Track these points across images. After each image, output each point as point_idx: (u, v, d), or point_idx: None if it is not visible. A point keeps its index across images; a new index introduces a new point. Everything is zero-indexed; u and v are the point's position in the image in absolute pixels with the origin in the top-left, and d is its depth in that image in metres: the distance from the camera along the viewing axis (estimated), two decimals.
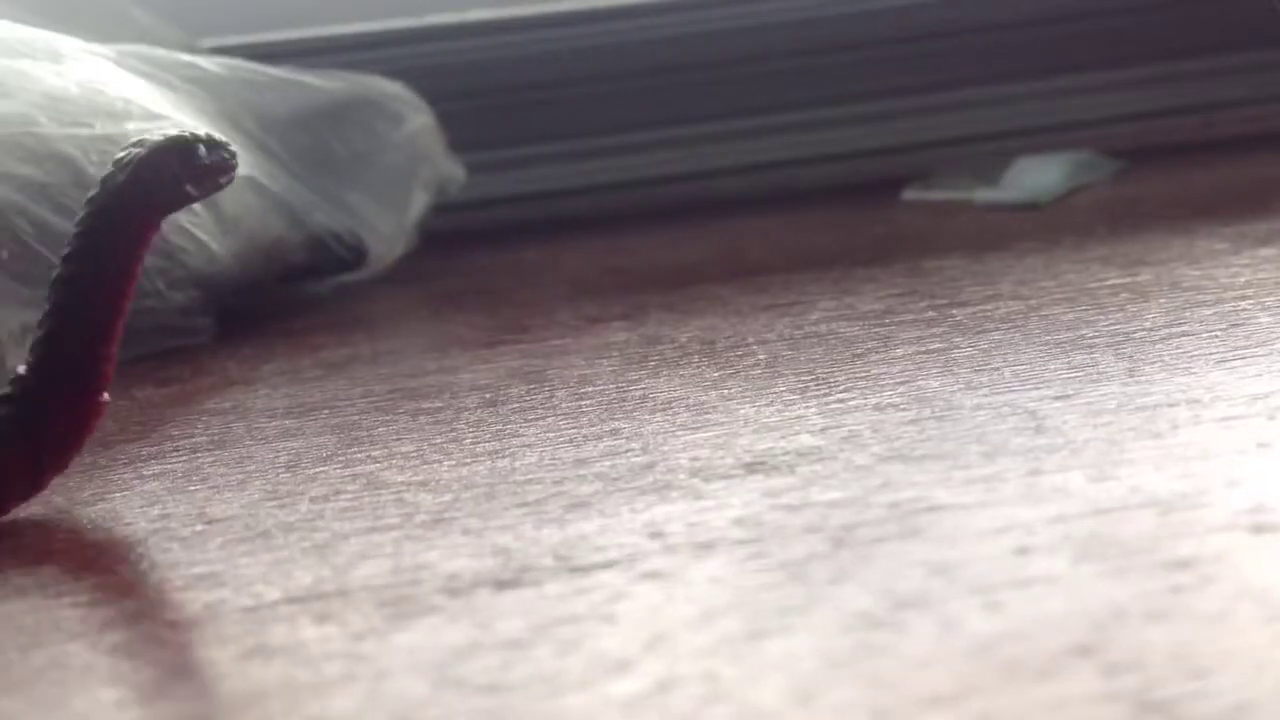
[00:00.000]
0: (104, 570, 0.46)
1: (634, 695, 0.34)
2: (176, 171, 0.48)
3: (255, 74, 0.81)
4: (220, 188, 0.50)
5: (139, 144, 0.48)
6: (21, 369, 0.48)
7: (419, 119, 0.85)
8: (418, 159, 0.84)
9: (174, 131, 0.49)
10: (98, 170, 0.69)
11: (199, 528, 0.47)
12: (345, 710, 0.34)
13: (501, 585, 0.40)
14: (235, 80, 0.80)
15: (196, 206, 0.72)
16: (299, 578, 0.42)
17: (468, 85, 0.91)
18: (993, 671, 0.33)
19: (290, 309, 0.77)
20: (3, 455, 0.48)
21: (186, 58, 0.80)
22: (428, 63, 0.90)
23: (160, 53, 0.79)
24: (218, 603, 0.41)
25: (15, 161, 0.69)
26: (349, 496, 0.48)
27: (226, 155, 0.49)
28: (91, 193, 0.48)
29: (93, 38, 0.77)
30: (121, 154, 0.48)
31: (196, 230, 0.72)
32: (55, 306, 0.48)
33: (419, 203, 0.84)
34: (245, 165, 0.76)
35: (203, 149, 0.49)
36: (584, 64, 0.92)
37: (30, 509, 0.49)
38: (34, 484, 0.49)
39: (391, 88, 0.85)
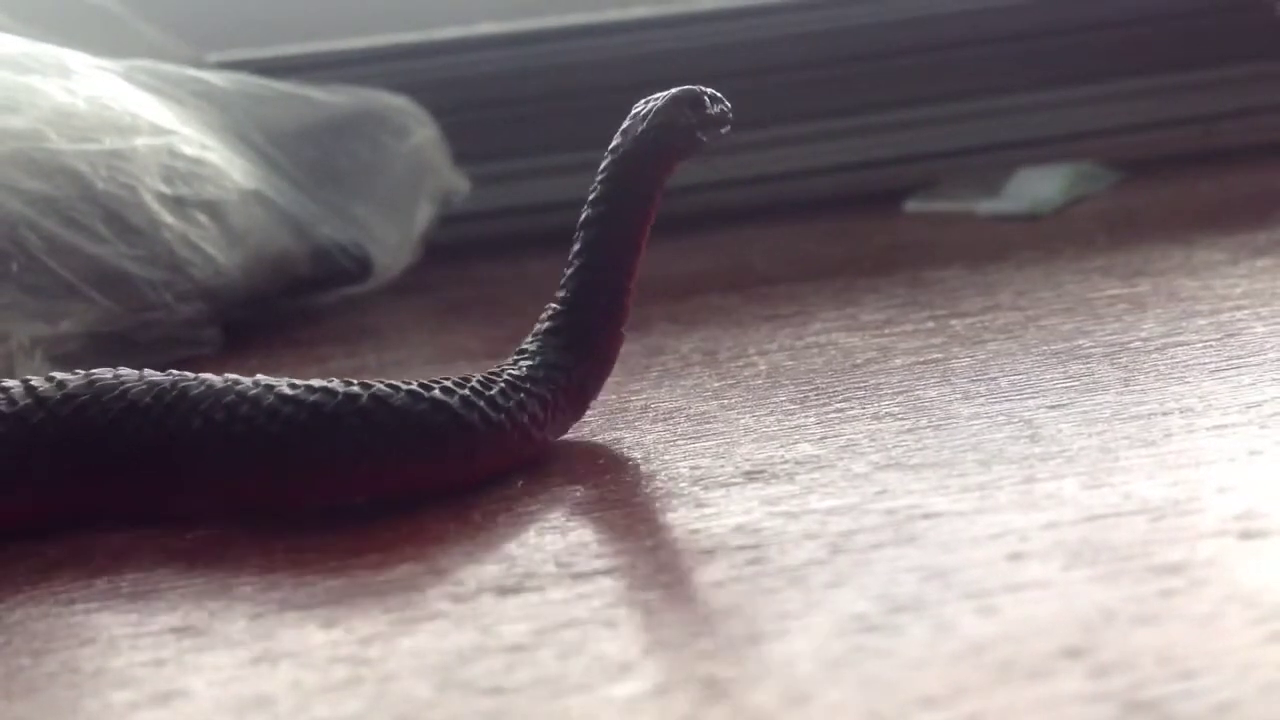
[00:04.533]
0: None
1: (634, 697, 0.34)
2: (690, 119, 0.51)
3: (262, 88, 0.82)
4: (721, 138, 0.52)
5: (653, 98, 0.52)
6: (554, 305, 0.52)
7: (423, 132, 0.86)
8: (422, 171, 0.85)
9: (687, 85, 0.52)
10: (106, 184, 0.71)
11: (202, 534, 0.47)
12: (353, 712, 0.35)
13: (505, 591, 0.41)
14: (242, 94, 0.81)
15: (203, 219, 0.73)
16: (305, 584, 0.43)
17: (472, 98, 0.92)
18: (985, 673, 0.34)
19: (296, 321, 0.77)
20: (563, 380, 0.51)
21: (194, 72, 0.81)
22: (432, 76, 0.91)
23: (168, 67, 0.80)
24: (224, 608, 0.41)
25: (25, 176, 0.69)
26: (355, 505, 0.48)
27: (726, 108, 0.53)
28: (614, 143, 0.52)
29: (100, 53, 0.78)
30: (638, 108, 0.52)
31: (203, 243, 0.73)
32: (586, 243, 0.52)
33: (424, 214, 0.85)
34: (252, 179, 0.77)
35: (708, 100, 0.52)
36: (587, 77, 0.93)
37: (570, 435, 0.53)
38: (582, 408, 0.53)
39: (396, 101, 0.86)
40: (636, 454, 0.51)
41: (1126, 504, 0.42)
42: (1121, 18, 0.95)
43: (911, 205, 0.90)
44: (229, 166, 0.76)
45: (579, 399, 0.52)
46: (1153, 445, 0.46)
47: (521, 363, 0.51)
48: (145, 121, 0.74)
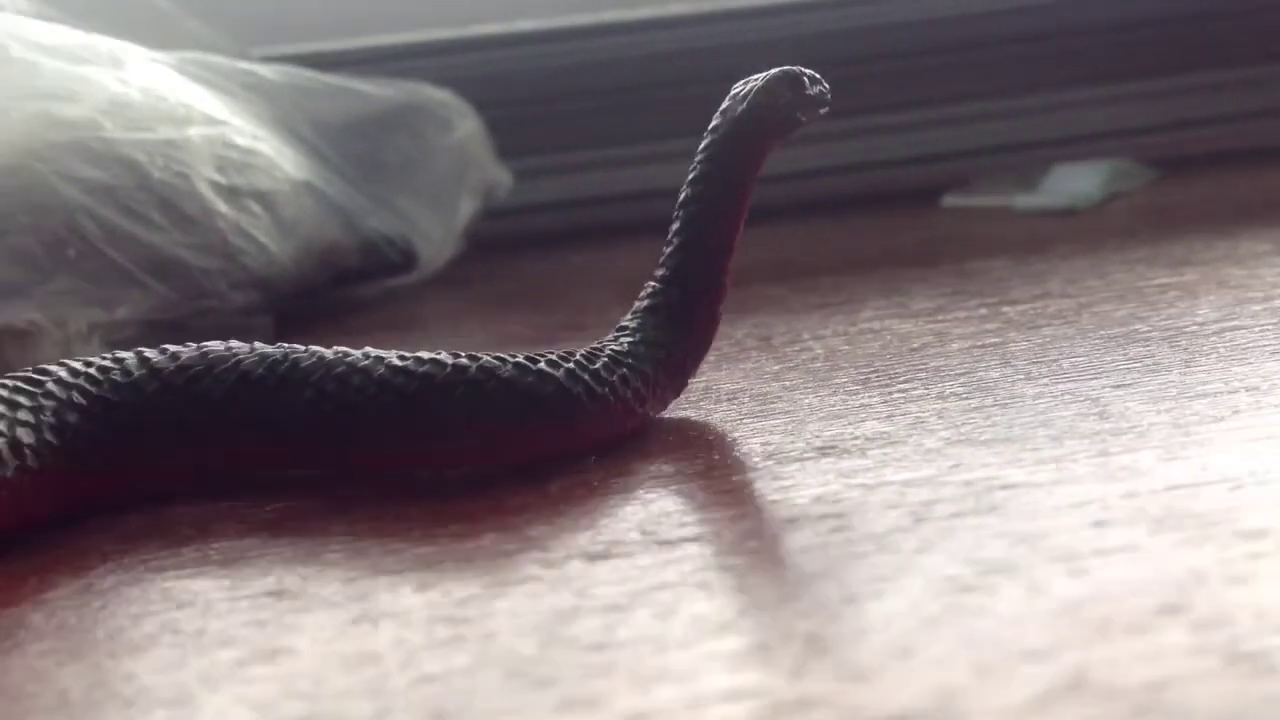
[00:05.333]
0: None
1: (738, 652, 0.35)
2: (790, 99, 0.52)
3: (310, 81, 0.83)
4: (819, 118, 0.53)
5: (752, 79, 0.52)
6: (653, 283, 0.53)
7: (467, 126, 0.86)
8: (466, 165, 0.86)
9: (786, 66, 0.52)
10: (161, 174, 0.71)
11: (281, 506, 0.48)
12: (462, 666, 0.35)
13: (593, 557, 0.41)
14: (291, 87, 0.82)
15: (256, 208, 0.74)
16: (393, 551, 0.43)
17: (514, 93, 0.93)
18: (1084, 629, 0.34)
19: (343, 311, 0.78)
20: (663, 356, 0.52)
21: (244, 65, 0.81)
22: (476, 71, 0.92)
23: (218, 59, 0.81)
24: (316, 574, 0.42)
25: (82, 164, 0.70)
26: (425, 484, 0.49)
27: (825, 89, 0.53)
28: (713, 123, 0.52)
29: (149, 47, 0.78)
30: (737, 88, 0.52)
31: (256, 232, 0.73)
32: (684, 222, 0.52)
33: (467, 208, 0.85)
34: (302, 170, 0.78)
35: (807, 80, 0.52)
36: (628, 73, 0.94)
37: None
38: (682, 385, 0.53)
39: (441, 95, 0.87)
40: (705, 432, 0.52)
41: (1204, 474, 0.43)
42: (1158, 16, 0.96)
43: (949, 200, 0.91)
44: (280, 158, 0.77)
45: (679, 376, 0.53)
46: (1222, 420, 0.47)
47: (622, 339, 0.52)
48: (198, 112, 0.75)
